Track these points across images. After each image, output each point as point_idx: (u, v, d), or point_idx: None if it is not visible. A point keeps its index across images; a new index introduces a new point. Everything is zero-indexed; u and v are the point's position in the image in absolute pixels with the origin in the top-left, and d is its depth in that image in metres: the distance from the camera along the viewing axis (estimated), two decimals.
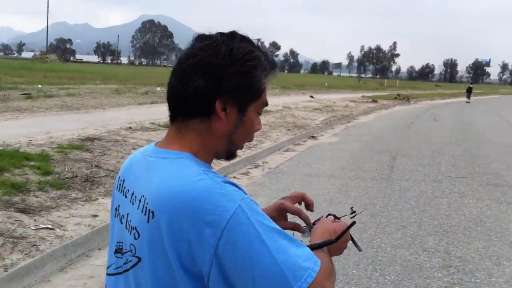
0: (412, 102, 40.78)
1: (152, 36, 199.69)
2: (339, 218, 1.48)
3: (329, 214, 1.50)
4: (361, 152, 12.22)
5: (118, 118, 13.99)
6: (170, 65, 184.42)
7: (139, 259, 1.25)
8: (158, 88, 26.87)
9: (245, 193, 1.21)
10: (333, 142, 14.25)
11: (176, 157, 1.26)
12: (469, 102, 46.06)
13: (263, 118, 12.12)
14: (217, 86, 1.23)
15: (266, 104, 1.35)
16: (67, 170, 7.27)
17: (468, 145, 14.49)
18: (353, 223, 1.35)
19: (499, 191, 8.46)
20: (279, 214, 1.60)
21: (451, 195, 8.08)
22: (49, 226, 5.29)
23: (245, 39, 1.30)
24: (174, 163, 1.24)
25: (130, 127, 12.10)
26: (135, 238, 1.25)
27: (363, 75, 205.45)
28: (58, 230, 5.25)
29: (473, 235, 6.08)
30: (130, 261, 1.28)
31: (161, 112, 16.67)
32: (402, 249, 5.48)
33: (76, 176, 7.05)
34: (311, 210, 1.59)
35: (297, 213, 1.56)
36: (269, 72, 1.32)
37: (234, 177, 8.97)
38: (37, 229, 5.18)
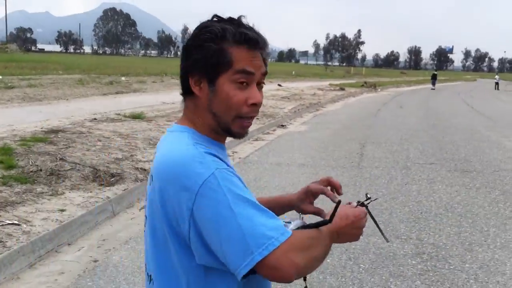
0: (379, 90, 41.17)
1: (115, 25, 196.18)
2: (365, 206, 1.46)
3: (358, 201, 1.48)
4: (331, 140, 12.22)
5: (82, 109, 13.67)
6: (135, 54, 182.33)
7: (146, 218, 1.41)
8: (123, 78, 26.48)
9: (228, 165, 1.31)
10: (302, 131, 14.23)
11: (180, 130, 1.40)
12: (434, 89, 46.78)
13: None
14: (186, 64, 1.38)
15: (246, 72, 1.34)
16: (31, 163, 7.03)
17: (435, 131, 14.65)
18: (339, 202, 1.36)
19: (467, 177, 8.55)
20: (306, 196, 1.66)
21: (421, 181, 8.12)
22: (15, 222, 5.10)
23: (220, 19, 1.39)
24: (176, 136, 1.39)
25: (95, 118, 11.82)
26: (145, 200, 1.42)
27: (329, 63, 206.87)
28: (25, 225, 5.06)
29: (444, 221, 6.10)
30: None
31: (126, 102, 16.41)
32: (375, 237, 5.45)
33: (41, 170, 6.82)
34: (340, 193, 1.62)
35: (322, 191, 1.62)
36: (240, 43, 1.34)
37: None
38: (2, 225, 4.98)
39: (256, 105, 1.38)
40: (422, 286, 4.31)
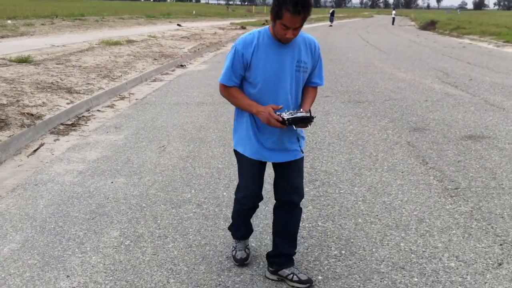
0: None
1: None
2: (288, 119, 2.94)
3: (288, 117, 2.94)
4: None
5: None
6: None
7: None
8: (9, 21, 24.62)
9: (249, 44, 2.98)
10: (202, 70, 14.05)
11: (265, 27, 3.05)
12: (332, 26, 47.66)
13: (127, 48, 11.50)
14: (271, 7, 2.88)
15: (285, 26, 2.80)
16: None
17: (331, 65, 14.99)
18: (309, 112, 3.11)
19: (360, 107, 8.87)
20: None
21: (316, 113, 8.30)
22: None
23: None
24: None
25: None
26: None
27: (231, 2, 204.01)
28: None
29: (337, 149, 6.32)
30: None
31: (13, 46, 15.37)
32: (269, 168, 5.54)
33: None
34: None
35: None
36: (288, 10, 2.73)
37: (98, 110, 8.51)
38: None
39: (288, 38, 2.85)
40: (313, 210, 4.45)
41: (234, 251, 3.57)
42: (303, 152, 3.23)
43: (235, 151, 3.29)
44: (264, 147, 3.14)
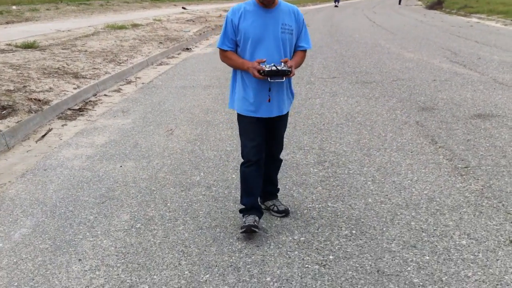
0: None
1: None
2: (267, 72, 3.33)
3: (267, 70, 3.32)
4: None
5: None
6: None
7: None
8: (14, 7, 24.56)
9: (236, 11, 3.42)
10: (208, 53, 13.97)
11: None
12: (337, 6, 47.18)
13: (132, 32, 11.50)
14: None
15: None
16: None
17: (338, 47, 14.87)
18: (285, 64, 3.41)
19: (367, 88, 8.80)
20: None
21: (324, 95, 8.28)
22: None
23: None
24: None
25: None
26: None
27: None
28: None
29: (345, 130, 6.29)
30: None
31: (18, 32, 15.33)
32: None
33: None
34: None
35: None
36: None
37: (105, 94, 8.51)
38: None
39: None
40: (323, 191, 4.45)
41: (244, 223, 3.63)
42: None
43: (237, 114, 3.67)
44: (253, 103, 3.52)
